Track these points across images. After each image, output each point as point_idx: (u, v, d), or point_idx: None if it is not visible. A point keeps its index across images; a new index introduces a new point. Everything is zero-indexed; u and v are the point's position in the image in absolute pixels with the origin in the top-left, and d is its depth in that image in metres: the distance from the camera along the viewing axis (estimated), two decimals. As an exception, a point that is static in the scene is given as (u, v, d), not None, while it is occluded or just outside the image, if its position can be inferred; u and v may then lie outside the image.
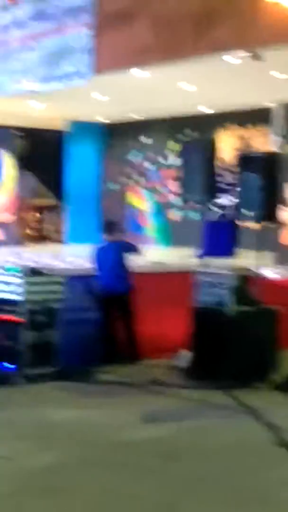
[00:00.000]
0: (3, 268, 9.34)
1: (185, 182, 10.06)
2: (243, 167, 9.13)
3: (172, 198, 21.00)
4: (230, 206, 17.22)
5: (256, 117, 19.09)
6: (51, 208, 22.77)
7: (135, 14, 13.64)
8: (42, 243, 21.91)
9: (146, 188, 22.45)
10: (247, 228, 16.30)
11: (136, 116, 21.19)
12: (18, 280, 9.03)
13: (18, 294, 8.98)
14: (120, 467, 6.20)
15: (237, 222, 14.87)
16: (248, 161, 9.12)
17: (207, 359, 8.88)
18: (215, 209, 16.94)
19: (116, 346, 9.76)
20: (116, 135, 23.06)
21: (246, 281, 9.02)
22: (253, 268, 9.71)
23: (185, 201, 10.35)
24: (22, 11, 14.87)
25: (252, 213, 9.09)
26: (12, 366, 8.88)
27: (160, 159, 21.96)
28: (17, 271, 9.15)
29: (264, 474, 6.08)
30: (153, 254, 16.64)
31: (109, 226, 10.32)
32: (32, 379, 8.73)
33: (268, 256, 13.92)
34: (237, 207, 9.46)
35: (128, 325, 9.82)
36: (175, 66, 13.43)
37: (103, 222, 12.88)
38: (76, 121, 22.30)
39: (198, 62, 13.04)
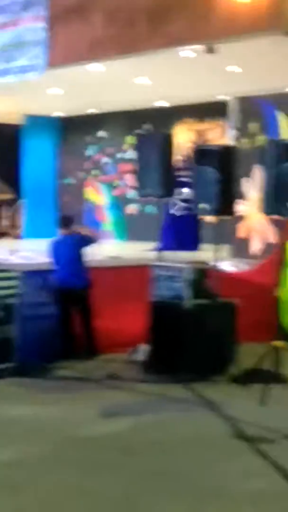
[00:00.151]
0: None
1: (140, 176, 10.03)
2: (198, 161, 9.12)
3: (130, 192, 21.00)
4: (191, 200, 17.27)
5: (213, 110, 19.17)
6: (8, 203, 22.62)
7: (89, 8, 13.58)
8: (-1, 238, 21.76)
9: (103, 182, 22.42)
10: (204, 222, 16.40)
11: (92, 110, 21.14)
12: (-26, 276, 8.96)
13: (-27, 290, 8.90)
14: (79, 462, 6.17)
15: (195, 216, 14.94)
16: (203, 154, 9.12)
17: (165, 353, 8.88)
18: (178, 202, 16.96)
19: (74, 341, 9.72)
20: (72, 129, 22.98)
21: (203, 275, 9.03)
22: (210, 262, 9.73)
23: (141, 195, 10.30)
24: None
25: (208, 207, 9.08)
26: None
27: (118, 153, 21.94)
28: (-27, 267, 9.07)
29: (223, 467, 6.09)
30: (110, 249, 16.63)
31: (64, 220, 10.26)
32: (-11, 376, 8.68)
33: (225, 249, 13.98)
34: (193, 200, 9.45)
35: (86, 320, 9.78)
36: (130, 60, 13.41)
37: (59, 216, 12.83)
38: (32, 115, 22.17)
39: (153, 56, 13.05)
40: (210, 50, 11.99)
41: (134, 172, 11.00)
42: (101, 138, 22.45)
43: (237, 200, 11.31)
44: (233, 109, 17.32)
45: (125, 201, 21.60)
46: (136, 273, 10.33)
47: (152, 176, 9.69)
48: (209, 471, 6.00)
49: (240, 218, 15.75)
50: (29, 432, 6.92)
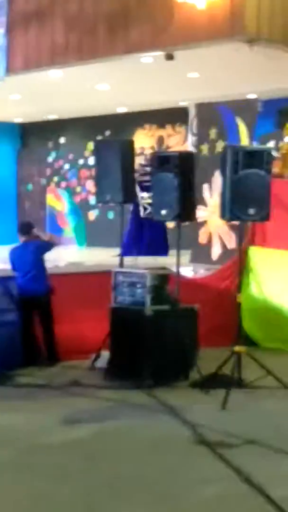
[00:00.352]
0: None
1: (99, 182, 10.04)
2: (158, 167, 9.15)
3: (91, 199, 21.00)
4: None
5: (173, 116, 19.27)
6: None
7: (49, 14, 13.59)
8: None
9: (64, 188, 22.38)
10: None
11: (53, 116, 21.11)
12: None
13: None
14: (42, 469, 6.14)
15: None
16: (163, 160, 9.15)
17: (126, 359, 8.88)
18: (141, 207, 16.95)
19: (35, 348, 9.68)
20: (32, 136, 22.94)
21: (164, 280, 9.05)
22: (170, 267, 9.75)
23: (100, 201, 10.30)
24: None
25: (169, 213, 9.11)
26: None
27: (79, 160, 21.93)
28: None
29: (184, 473, 6.11)
30: (71, 255, 16.62)
31: (24, 227, 10.22)
32: None
33: (185, 254, 14.03)
34: (154, 206, 9.48)
35: (47, 326, 9.74)
36: (90, 66, 13.43)
37: (18, 223, 12.79)
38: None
39: (113, 62, 13.09)
40: (169, 57, 12.05)
41: (93, 178, 11.00)
42: (62, 144, 22.42)
43: (198, 206, 11.37)
44: (193, 115, 17.40)
45: (86, 207, 21.59)
46: (97, 279, 10.32)
47: (112, 182, 9.70)
48: (171, 477, 6.01)
49: (201, 223, 15.81)
50: (-10, 440, 6.88)
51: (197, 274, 13.08)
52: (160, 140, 19.93)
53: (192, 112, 17.55)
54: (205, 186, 15.77)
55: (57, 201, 22.45)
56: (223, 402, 7.80)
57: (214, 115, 16.12)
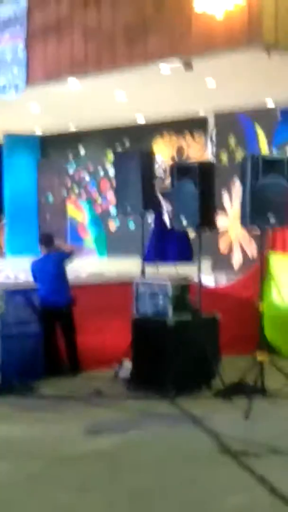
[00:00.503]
0: None
1: (118, 193, 10.08)
2: (178, 177, 9.17)
3: (111, 209, 21.03)
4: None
5: (192, 125, 19.25)
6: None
7: (68, 25, 13.65)
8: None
9: (84, 199, 22.43)
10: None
11: (72, 127, 21.18)
12: None
13: None
14: (66, 481, 6.16)
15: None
16: (182, 171, 9.17)
17: (148, 369, 8.88)
18: (165, 216, 16.92)
19: (57, 359, 9.71)
20: (52, 147, 23.02)
21: (185, 290, 9.05)
22: (192, 276, 9.76)
23: (120, 212, 10.35)
24: None
25: (189, 221, 9.13)
26: None
27: (99, 170, 21.97)
28: None
29: (208, 482, 6.10)
30: (92, 265, 16.64)
31: (45, 239, 10.27)
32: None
33: (206, 263, 14.02)
34: (174, 215, 9.50)
35: (69, 337, 9.77)
36: (108, 76, 13.47)
37: (39, 235, 12.83)
38: (11, 134, 22.19)
39: (132, 72, 13.11)
40: (188, 66, 12.06)
41: (114, 189, 11.04)
42: (81, 155, 22.49)
43: (218, 214, 11.38)
44: (212, 124, 17.40)
45: (107, 217, 21.62)
46: (118, 289, 10.34)
47: (132, 193, 9.73)
48: (195, 487, 6.01)
49: (222, 232, 15.80)
50: (15, 452, 6.90)
51: (219, 283, 13.06)
52: (180, 150, 19.95)
53: (211, 121, 17.55)
54: (225, 195, 15.77)
55: (78, 212, 22.50)
56: (246, 411, 7.78)
57: (233, 124, 16.14)
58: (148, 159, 9.97)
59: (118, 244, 20.48)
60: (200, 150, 19.39)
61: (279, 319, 10.54)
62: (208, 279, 12.73)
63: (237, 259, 15.94)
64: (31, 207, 23.08)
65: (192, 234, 11.71)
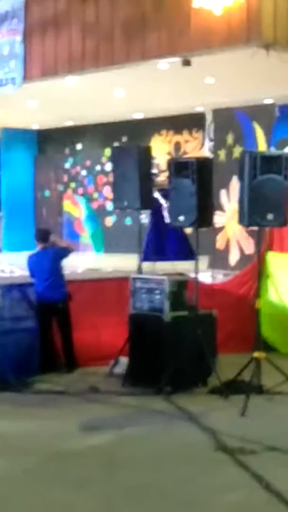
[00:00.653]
0: None
1: (116, 189, 10.05)
2: (175, 173, 9.14)
3: (108, 205, 21.01)
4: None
5: (190, 122, 19.24)
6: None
7: (66, 21, 13.61)
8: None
9: (81, 195, 22.41)
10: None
11: (69, 122, 21.15)
12: None
13: None
14: (62, 477, 6.14)
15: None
16: (180, 167, 9.13)
17: (144, 365, 8.87)
18: (165, 213, 16.89)
19: (53, 355, 9.69)
20: (49, 142, 22.98)
21: (182, 286, 9.04)
22: (188, 273, 9.73)
23: (117, 207, 10.32)
24: None
25: (186, 219, 9.09)
26: None
27: (95, 166, 21.94)
28: None
29: (204, 479, 6.08)
30: (88, 261, 16.63)
31: (41, 234, 10.25)
32: None
33: (203, 260, 13.99)
34: (172, 212, 9.46)
35: (65, 333, 9.75)
36: (106, 72, 13.44)
37: (36, 230, 12.80)
38: (9, 128, 22.15)
39: (130, 68, 13.08)
40: (186, 63, 12.04)
41: (111, 184, 11.02)
42: (78, 151, 22.45)
43: (215, 212, 11.35)
44: (210, 121, 17.38)
45: (104, 213, 21.60)
46: (115, 285, 10.32)
47: (129, 188, 9.70)
48: (191, 484, 5.99)
49: (219, 229, 15.77)
50: (10, 448, 6.88)
51: (216, 280, 13.05)
52: (177, 146, 19.93)
53: (209, 118, 17.53)
54: (223, 192, 15.74)
55: (74, 208, 22.48)
56: (242, 409, 7.77)
57: (231, 121, 16.08)
58: (146, 154, 9.93)
59: (115, 240, 20.46)
60: (197, 146, 19.38)
61: (276, 317, 10.54)
62: (205, 276, 12.71)
63: (234, 257, 15.91)
64: (27, 202, 23.05)
65: (188, 231, 11.69)
